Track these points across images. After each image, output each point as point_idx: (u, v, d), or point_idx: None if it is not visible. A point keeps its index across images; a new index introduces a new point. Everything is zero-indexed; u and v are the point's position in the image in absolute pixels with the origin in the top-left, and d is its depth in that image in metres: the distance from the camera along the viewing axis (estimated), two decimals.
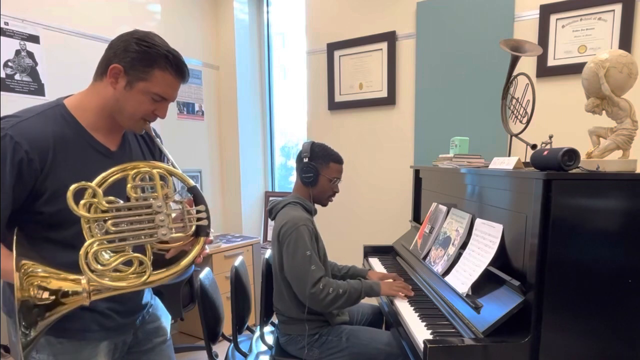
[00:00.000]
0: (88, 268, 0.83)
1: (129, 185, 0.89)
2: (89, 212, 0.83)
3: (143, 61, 0.95)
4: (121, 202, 0.87)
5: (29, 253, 0.85)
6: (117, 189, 0.89)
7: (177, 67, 0.98)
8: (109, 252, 0.87)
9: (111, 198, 0.86)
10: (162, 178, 0.91)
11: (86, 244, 0.83)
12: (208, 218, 0.95)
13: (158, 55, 0.96)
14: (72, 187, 0.81)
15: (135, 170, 0.89)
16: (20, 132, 0.88)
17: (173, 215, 0.92)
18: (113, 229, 0.85)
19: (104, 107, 0.98)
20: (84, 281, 0.84)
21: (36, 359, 0.98)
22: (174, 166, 0.95)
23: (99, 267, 0.84)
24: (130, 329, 1.14)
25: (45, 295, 0.82)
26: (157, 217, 0.89)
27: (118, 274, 0.86)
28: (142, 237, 0.89)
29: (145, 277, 0.87)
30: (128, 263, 0.87)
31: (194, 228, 0.94)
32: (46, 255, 0.90)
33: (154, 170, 0.90)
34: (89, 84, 1.01)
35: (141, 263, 0.88)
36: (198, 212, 0.94)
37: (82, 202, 0.83)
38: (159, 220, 0.89)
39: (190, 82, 3.10)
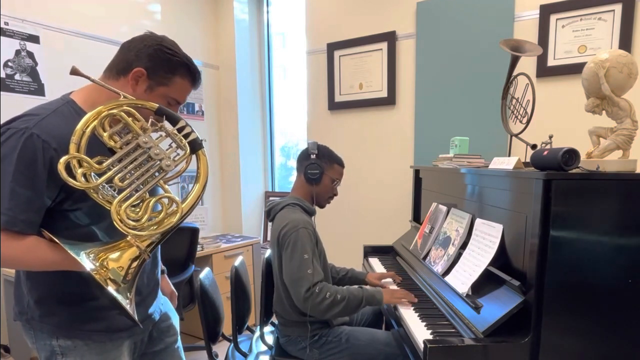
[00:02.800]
0: (129, 228, 0.85)
1: (105, 135, 0.87)
2: (87, 182, 0.84)
3: (166, 68, 0.98)
4: (109, 159, 0.87)
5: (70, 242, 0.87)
6: (98, 150, 0.88)
7: (194, 76, 1.03)
8: (134, 209, 0.88)
9: (99, 158, 0.86)
10: (128, 114, 0.90)
11: (112, 210, 0.84)
12: (193, 130, 0.95)
13: (180, 64, 1.00)
14: (62, 160, 0.82)
15: (101, 116, 0.87)
16: (45, 130, 0.87)
17: (161, 144, 0.92)
18: (121, 184, 0.87)
19: (117, 97, 0.96)
20: (132, 242, 0.88)
21: None
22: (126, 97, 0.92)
23: (135, 223, 0.86)
24: (150, 324, 1.14)
25: (118, 265, 0.86)
26: (152, 152, 0.90)
27: (155, 220, 0.89)
28: (151, 178, 0.90)
29: (179, 212, 0.90)
30: (156, 208, 0.90)
31: (188, 149, 0.94)
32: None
33: (118, 110, 0.88)
34: (99, 78, 0.99)
35: (168, 202, 0.91)
36: (180, 129, 0.93)
37: (78, 172, 0.83)
38: (155, 155, 0.90)
39: None
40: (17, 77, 2.17)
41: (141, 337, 1.12)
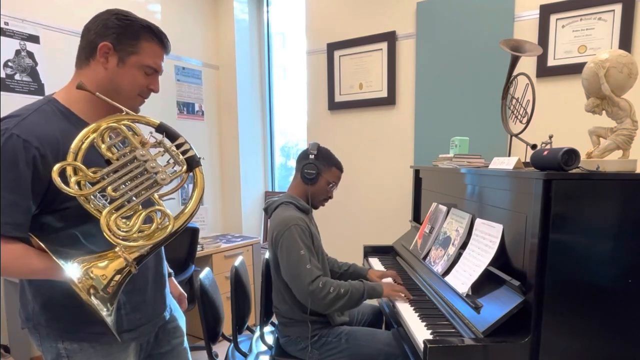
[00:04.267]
0: (117, 238, 0.84)
1: (103, 147, 0.87)
2: (81, 189, 0.84)
3: (129, 35, 0.96)
4: (105, 169, 0.87)
5: (57, 248, 0.86)
6: (95, 161, 0.88)
7: (160, 37, 1.01)
8: (125, 220, 0.88)
9: (95, 168, 0.86)
10: (128, 129, 0.90)
11: (102, 220, 0.84)
12: (191, 147, 0.95)
13: (141, 27, 0.98)
14: (56, 167, 0.81)
15: (100, 129, 0.87)
16: (26, 130, 0.86)
17: (158, 159, 0.92)
18: (114, 194, 0.86)
19: (97, 92, 0.94)
20: (120, 253, 0.86)
21: None
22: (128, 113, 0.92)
23: (125, 234, 0.85)
24: (160, 322, 1.13)
25: (102, 273, 0.84)
26: (148, 166, 0.89)
27: (146, 233, 0.88)
28: (145, 190, 0.89)
29: (170, 226, 0.89)
30: (149, 221, 0.89)
31: (185, 166, 0.93)
32: (79, 249, 0.92)
33: (118, 124, 0.88)
34: (73, 75, 0.98)
35: (160, 216, 0.90)
36: (179, 146, 0.93)
37: (72, 180, 0.82)
38: (151, 168, 0.90)
39: (190, 82, 3.11)
40: (17, 77, 2.17)
41: (147, 339, 1.12)
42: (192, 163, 0.94)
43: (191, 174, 0.95)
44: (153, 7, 2.83)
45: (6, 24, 2.12)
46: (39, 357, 2.37)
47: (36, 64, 2.24)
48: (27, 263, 0.86)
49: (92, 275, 0.83)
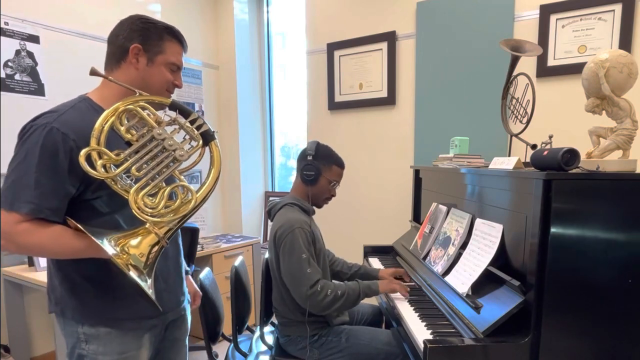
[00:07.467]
0: (147, 215, 0.90)
1: (122, 129, 0.92)
2: (107, 172, 0.89)
3: (154, 36, 1.04)
4: (127, 150, 0.92)
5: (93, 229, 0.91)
6: (116, 144, 0.93)
7: (179, 37, 1.09)
8: (151, 198, 0.93)
9: (117, 151, 0.91)
10: (144, 109, 0.95)
11: (130, 198, 0.89)
12: (205, 122, 1.00)
13: (163, 28, 1.06)
14: (83, 152, 0.86)
15: (118, 111, 0.91)
16: (64, 124, 0.93)
17: (175, 136, 0.97)
18: (138, 174, 0.91)
19: (128, 91, 1.00)
20: (151, 229, 0.92)
21: (86, 350, 1.03)
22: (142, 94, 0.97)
23: (152, 210, 0.91)
24: (179, 311, 1.19)
25: (139, 251, 0.90)
26: (166, 144, 0.94)
27: (172, 208, 0.93)
28: (166, 168, 0.94)
29: (193, 200, 0.95)
30: (172, 197, 0.95)
31: (201, 140, 0.98)
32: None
33: (134, 106, 0.93)
34: (101, 81, 1.05)
35: (183, 190, 0.95)
36: (193, 122, 0.98)
37: (98, 164, 0.88)
38: (169, 146, 0.95)
39: (190, 82, 3.11)
40: (17, 77, 2.17)
41: (159, 330, 1.14)
42: (208, 137, 1.00)
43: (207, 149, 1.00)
44: (153, 7, 2.83)
45: (6, 24, 2.12)
46: (39, 357, 2.37)
47: (36, 64, 2.24)
48: (66, 242, 0.93)
49: (129, 252, 0.88)
